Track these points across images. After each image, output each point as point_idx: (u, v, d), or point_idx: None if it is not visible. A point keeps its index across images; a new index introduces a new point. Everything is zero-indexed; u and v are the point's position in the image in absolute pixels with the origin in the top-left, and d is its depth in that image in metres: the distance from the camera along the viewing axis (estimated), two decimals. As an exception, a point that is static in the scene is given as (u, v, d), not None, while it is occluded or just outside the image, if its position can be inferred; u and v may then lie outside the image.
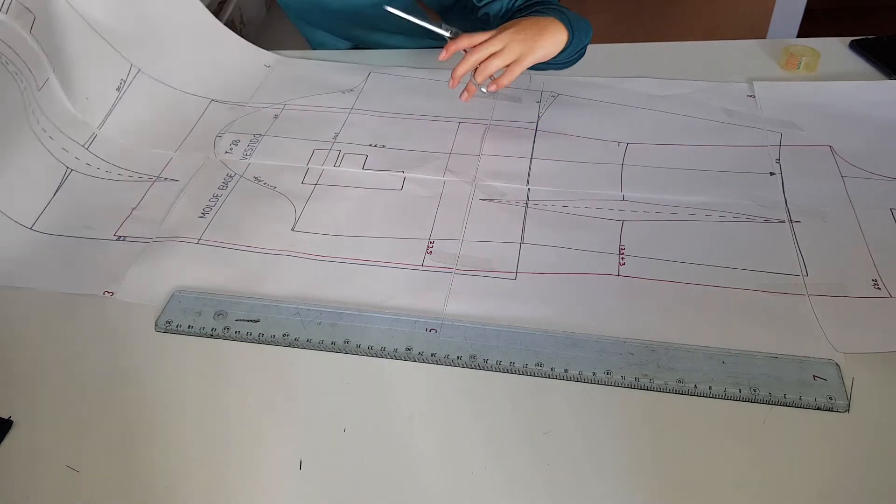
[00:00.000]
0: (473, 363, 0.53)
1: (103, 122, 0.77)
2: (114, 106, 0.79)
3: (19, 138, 0.68)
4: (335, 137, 0.78)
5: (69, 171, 0.72)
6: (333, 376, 0.54)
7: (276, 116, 0.82)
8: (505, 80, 0.73)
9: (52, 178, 0.71)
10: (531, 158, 0.73)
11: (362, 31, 0.95)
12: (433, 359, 0.54)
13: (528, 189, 0.69)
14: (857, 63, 0.85)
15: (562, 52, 0.74)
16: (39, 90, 0.71)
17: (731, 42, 0.90)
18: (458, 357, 0.54)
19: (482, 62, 0.71)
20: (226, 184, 0.72)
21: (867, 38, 0.87)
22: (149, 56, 0.83)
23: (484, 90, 0.75)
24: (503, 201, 0.68)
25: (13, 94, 0.67)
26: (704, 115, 0.78)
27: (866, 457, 0.47)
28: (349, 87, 0.86)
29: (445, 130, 0.78)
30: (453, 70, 0.73)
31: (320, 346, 0.55)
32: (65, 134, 0.73)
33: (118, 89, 0.79)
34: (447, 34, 0.75)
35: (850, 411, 0.49)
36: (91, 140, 0.75)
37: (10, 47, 0.68)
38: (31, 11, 0.71)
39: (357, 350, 0.55)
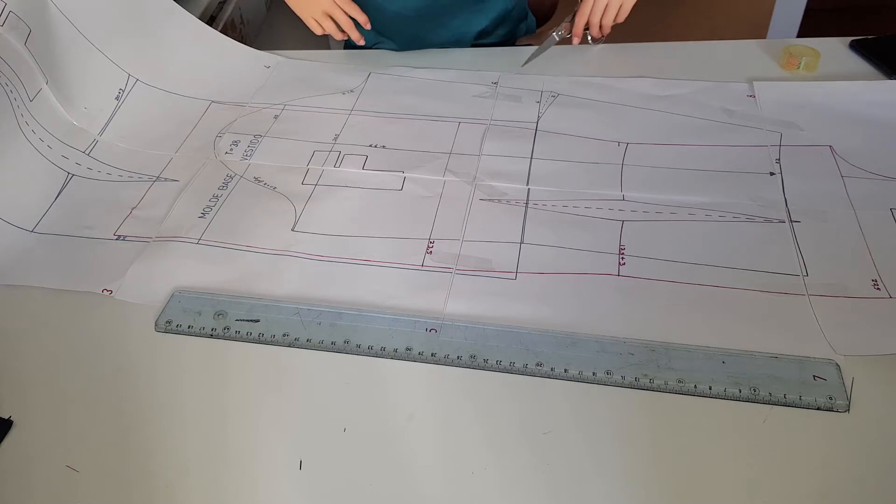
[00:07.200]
0: (473, 363, 0.53)
1: (103, 129, 0.78)
2: (113, 114, 0.79)
3: (14, 148, 0.68)
4: (335, 138, 0.78)
5: (70, 176, 0.72)
6: (333, 376, 0.54)
7: (276, 117, 0.82)
8: (620, 19, 0.88)
9: (53, 184, 0.71)
10: (531, 158, 0.73)
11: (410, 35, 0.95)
12: (433, 359, 0.54)
13: (528, 189, 0.69)
14: (857, 63, 0.84)
15: None
16: (31, 101, 0.71)
17: (731, 42, 0.90)
18: (458, 357, 0.54)
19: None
20: (226, 184, 0.72)
21: (867, 38, 0.87)
22: (146, 67, 0.83)
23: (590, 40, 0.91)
24: (503, 201, 0.68)
25: (3, 105, 0.68)
26: (704, 115, 0.78)
27: (866, 457, 0.47)
28: (349, 87, 0.86)
29: (445, 130, 0.78)
30: (577, 29, 0.89)
31: (320, 346, 0.55)
32: (64, 142, 0.73)
33: (117, 98, 0.80)
34: (562, 32, 0.90)
35: (850, 411, 0.49)
36: (92, 146, 0.76)
37: (2, 59, 0.68)
38: (27, 25, 0.72)
39: (357, 350, 0.55)
